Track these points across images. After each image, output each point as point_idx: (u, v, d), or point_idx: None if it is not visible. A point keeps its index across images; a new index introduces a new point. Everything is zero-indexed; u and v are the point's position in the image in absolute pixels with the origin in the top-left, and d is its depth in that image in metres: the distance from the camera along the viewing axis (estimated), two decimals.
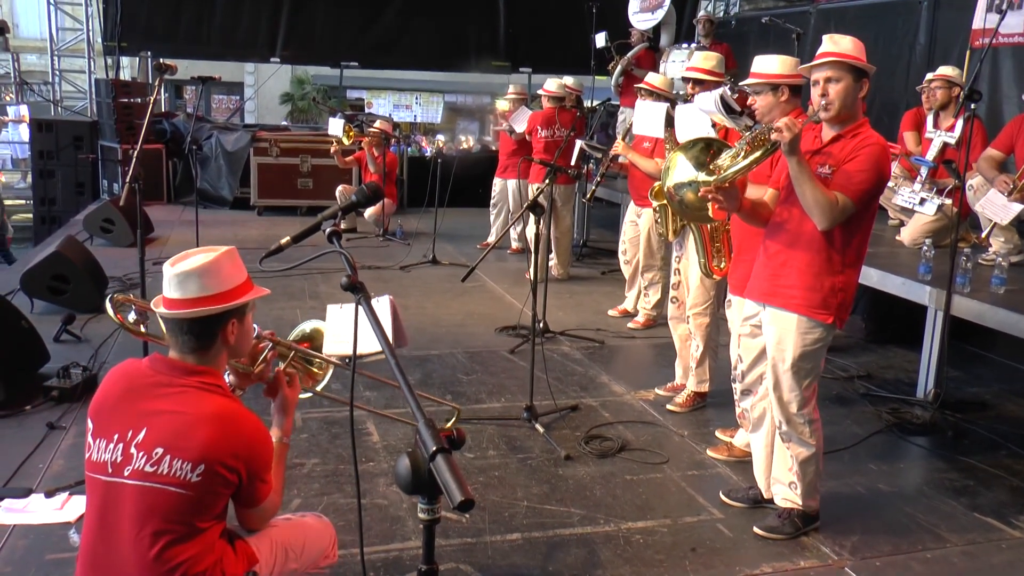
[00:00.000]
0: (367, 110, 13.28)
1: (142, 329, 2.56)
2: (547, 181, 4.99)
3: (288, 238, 2.17)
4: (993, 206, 4.85)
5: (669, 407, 4.49)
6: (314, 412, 4.14)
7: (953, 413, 4.51)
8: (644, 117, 4.82)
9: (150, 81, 11.77)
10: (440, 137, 15.03)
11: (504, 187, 8.15)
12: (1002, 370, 5.50)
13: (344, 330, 1.89)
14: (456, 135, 17.21)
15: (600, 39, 8.95)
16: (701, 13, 10.35)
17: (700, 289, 4.36)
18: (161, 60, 9.80)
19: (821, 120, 3.00)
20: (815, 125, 3.05)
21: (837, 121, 2.97)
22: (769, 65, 3.33)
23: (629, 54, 8.76)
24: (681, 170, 2.98)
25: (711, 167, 2.92)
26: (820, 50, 2.97)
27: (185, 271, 2.07)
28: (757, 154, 2.87)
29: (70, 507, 3.14)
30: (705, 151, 2.97)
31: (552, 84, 7.52)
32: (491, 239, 8.11)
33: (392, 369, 1.73)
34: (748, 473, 3.54)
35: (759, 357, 3.33)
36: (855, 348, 5.77)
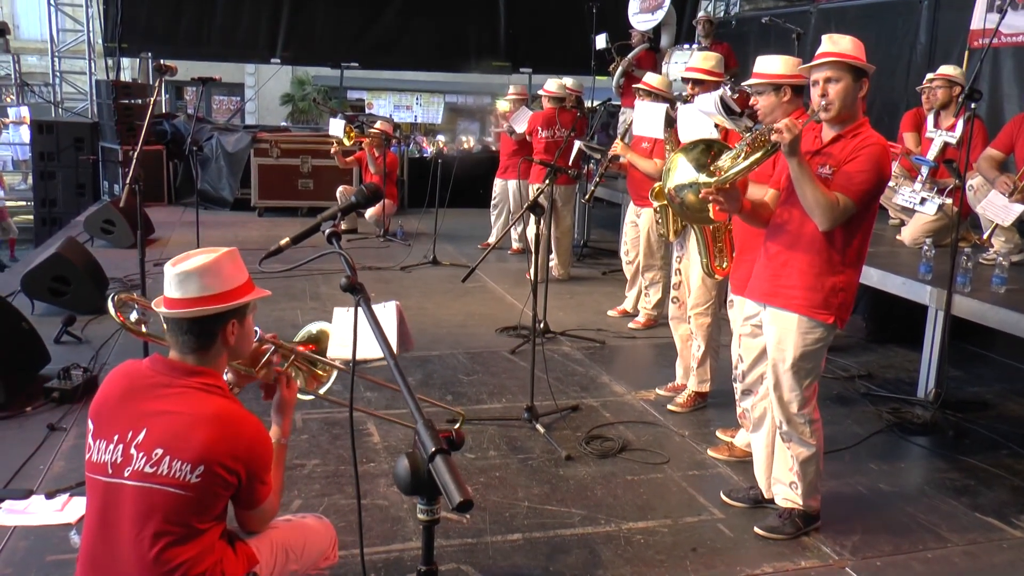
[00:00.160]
0: (367, 111, 13.28)
1: (143, 329, 2.56)
2: (547, 181, 4.98)
3: (288, 239, 2.18)
4: (994, 207, 4.84)
5: (670, 407, 4.49)
6: (314, 413, 4.15)
7: (954, 413, 4.50)
8: (643, 118, 4.80)
9: (150, 82, 11.77)
10: (440, 138, 15.05)
11: (505, 187, 8.15)
12: (1003, 370, 5.50)
13: (349, 334, 1.88)
14: (456, 136, 17.22)
15: (601, 40, 8.93)
16: (701, 14, 10.32)
17: (701, 289, 4.36)
18: (161, 61, 9.86)
19: (821, 120, 3.00)
20: (815, 125, 3.04)
21: (837, 121, 2.97)
22: (771, 65, 3.33)
23: (630, 55, 8.76)
24: (682, 172, 2.98)
25: (712, 168, 2.92)
26: (820, 50, 2.97)
27: (186, 271, 2.08)
28: (757, 155, 2.87)
29: (70, 508, 3.14)
30: (705, 152, 2.98)
31: (552, 84, 7.52)
32: (492, 239, 8.10)
33: (392, 372, 1.73)
34: (749, 473, 3.54)
35: (760, 357, 3.33)
36: (856, 348, 5.76)
